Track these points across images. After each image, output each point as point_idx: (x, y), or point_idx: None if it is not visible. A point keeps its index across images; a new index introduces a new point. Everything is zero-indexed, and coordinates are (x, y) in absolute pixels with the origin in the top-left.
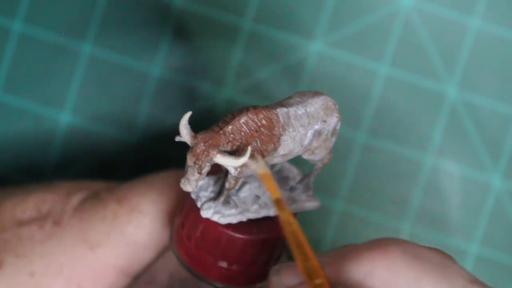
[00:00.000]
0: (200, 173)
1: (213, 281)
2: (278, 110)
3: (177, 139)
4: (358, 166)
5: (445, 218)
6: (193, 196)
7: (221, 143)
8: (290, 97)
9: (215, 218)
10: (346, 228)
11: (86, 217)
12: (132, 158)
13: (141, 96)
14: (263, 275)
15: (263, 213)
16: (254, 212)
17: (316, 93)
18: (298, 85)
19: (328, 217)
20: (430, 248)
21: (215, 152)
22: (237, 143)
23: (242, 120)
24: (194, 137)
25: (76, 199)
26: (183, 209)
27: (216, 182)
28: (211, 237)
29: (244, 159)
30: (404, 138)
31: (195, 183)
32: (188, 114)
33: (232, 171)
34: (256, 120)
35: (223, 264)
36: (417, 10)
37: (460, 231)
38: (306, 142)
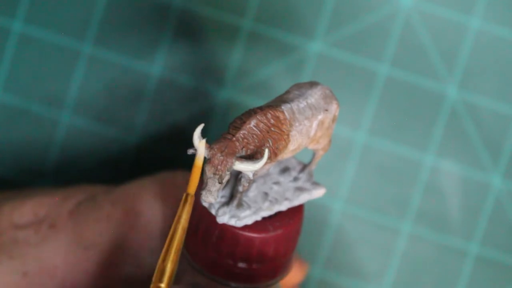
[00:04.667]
0: (220, 182)
1: (235, 283)
2: (283, 107)
3: (190, 152)
4: (358, 166)
5: (445, 218)
6: (205, 205)
7: (237, 150)
8: (288, 92)
9: (232, 222)
10: (346, 228)
11: (81, 219)
12: (132, 158)
13: (141, 96)
14: (283, 268)
15: (276, 208)
16: (267, 210)
17: (312, 84)
18: None
19: (328, 217)
20: None
21: (233, 160)
22: (251, 147)
23: (253, 123)
24: (210, 148)
25: (72, 202)
26: (192, 218)
27: (224, 187)
28: (228, 240)
29: (262, 161)
30: (404, 138)
31: (216, 193)
32: (200, 127)
33: (250, 175)
34: (265, 121)
35: (243, 265)
36: (417, 10)
37: (460, 231)
38: (312, 133)
